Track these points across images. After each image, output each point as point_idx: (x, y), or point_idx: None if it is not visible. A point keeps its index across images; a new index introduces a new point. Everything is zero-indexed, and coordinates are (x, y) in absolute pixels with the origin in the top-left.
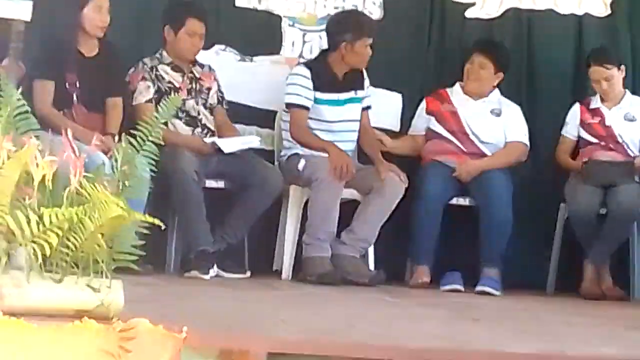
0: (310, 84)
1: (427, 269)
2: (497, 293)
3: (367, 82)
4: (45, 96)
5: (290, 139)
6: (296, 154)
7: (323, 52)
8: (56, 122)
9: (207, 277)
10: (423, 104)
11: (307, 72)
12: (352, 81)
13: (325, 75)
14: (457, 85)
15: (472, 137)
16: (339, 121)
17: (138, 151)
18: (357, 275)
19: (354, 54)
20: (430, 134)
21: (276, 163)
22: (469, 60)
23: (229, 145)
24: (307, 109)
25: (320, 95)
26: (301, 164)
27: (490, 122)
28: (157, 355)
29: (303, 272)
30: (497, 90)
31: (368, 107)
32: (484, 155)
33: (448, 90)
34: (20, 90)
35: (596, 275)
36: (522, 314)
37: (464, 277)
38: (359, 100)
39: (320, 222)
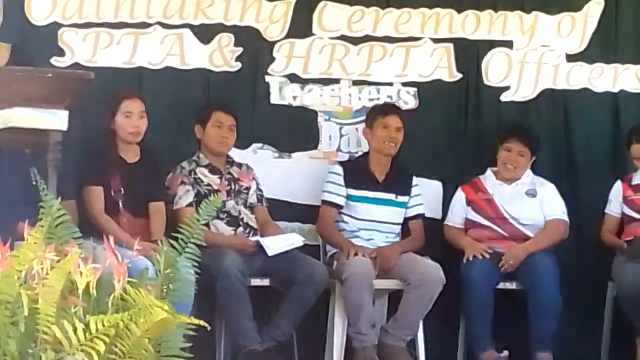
0: (341, 180)
1: (493, 352)
2: None
3: (416, 189)
4: (97, 202)
5: None
6: (337, 252)
7: (366, 152)
8: (107, 229)
9: None
10: (460, 195)
11: (340, 170)
12: (394, 184)
13: (361, 173)
14: (489, 171)
15: (511, 221)
16: (372, 220)
17: (180, 253)
18: None
19: (375, 137)
20: (470, 223)
21: (322, 257)
22: (503, 147)
23: (273, 246)
24: (336, 205)
25: (353, 192)
26: (335, 264)
27: (527, 203)
28: None
29: None
30: (529, 170)
31: (418, 216)
32: (526, 237)
33: (481, 177)
34: (59, 199)
35: None
36: None
37: None
38: (401, 205)
39: (356, 318)
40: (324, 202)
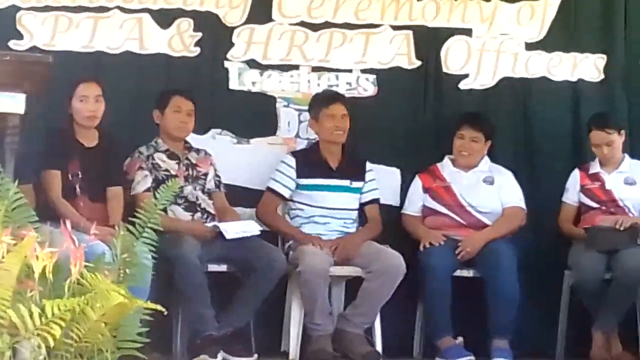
0: (292, 172)
1: (450, 339)
2: None
3: (370, 174)
4: (55, 186)
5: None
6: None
7: (317, 141)
8: (64, 213)
9: None
10: (417, 182)
11: (292, 161)
12: (348, 171)
13: (314, 161)
14: (446, 159)
15: (468, 208)
16: (328, 208)
17: (137, 238)
18: (353, 352)
19: (322, 127)
20: (427, 211)
21: (280, 244)
22: (457, 135)
23: (230, 231)
24: (280, 195)
25: (307, 181)
26: (291, 255)
27: (484, 191)
28: None
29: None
30: (486, 158)
31: (374, 201)
32: (484, 225)
33: (438, 165)
34: (16, 183)
35: (605, 341)
36: None
37: (470, 347)
38: (356, 190)
39: (311, 309)
40: (269, 189)
